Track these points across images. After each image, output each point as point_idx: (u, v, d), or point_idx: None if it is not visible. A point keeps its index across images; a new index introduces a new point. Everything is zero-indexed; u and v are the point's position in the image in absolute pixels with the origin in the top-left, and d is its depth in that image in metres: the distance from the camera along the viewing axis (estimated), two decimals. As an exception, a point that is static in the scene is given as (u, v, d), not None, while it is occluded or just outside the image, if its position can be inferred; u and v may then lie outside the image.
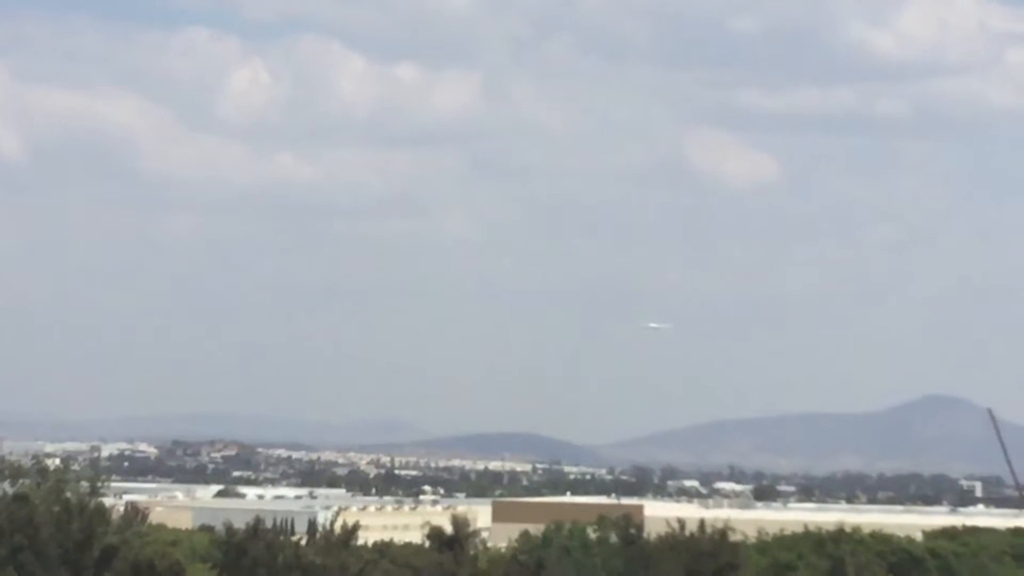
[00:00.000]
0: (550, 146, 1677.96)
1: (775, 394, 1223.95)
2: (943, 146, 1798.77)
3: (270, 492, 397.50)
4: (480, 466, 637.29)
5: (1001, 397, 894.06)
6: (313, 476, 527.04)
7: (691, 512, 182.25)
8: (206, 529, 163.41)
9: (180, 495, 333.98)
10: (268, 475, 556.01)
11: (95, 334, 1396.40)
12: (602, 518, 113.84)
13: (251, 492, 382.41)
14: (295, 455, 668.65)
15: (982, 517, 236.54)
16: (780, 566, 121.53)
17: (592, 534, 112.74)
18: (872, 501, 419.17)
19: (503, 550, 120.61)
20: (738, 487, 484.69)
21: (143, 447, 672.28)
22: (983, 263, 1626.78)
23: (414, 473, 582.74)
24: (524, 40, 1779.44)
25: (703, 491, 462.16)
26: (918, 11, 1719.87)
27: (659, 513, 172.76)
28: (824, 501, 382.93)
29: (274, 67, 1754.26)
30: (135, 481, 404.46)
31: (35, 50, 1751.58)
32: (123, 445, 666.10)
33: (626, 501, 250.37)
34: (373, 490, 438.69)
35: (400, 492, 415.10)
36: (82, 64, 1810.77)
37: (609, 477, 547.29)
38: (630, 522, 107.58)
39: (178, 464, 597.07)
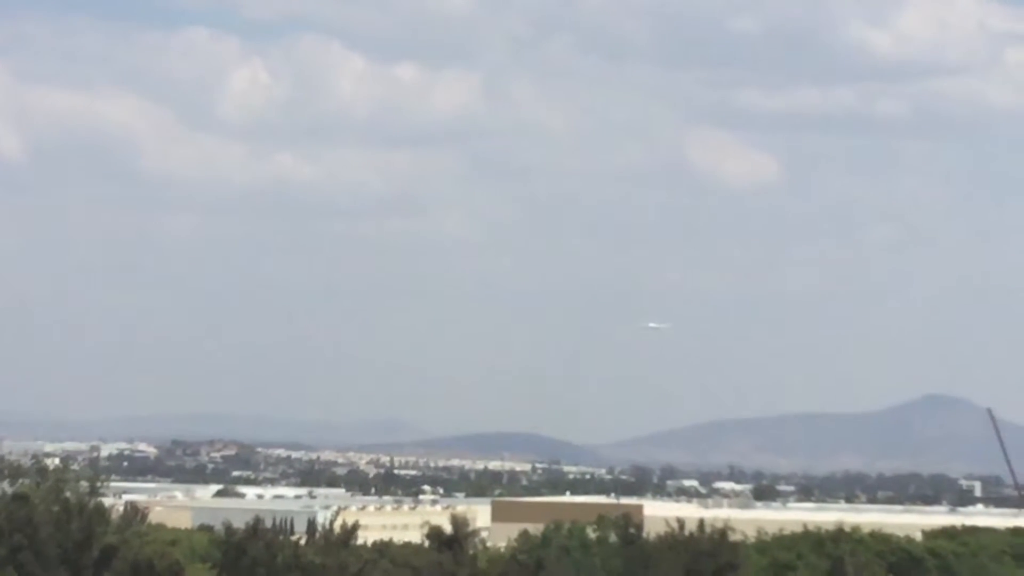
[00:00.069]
0: (550, 146, 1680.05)
1: (775, 394, 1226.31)
2: (943, 146, 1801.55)
3: (269, 492, 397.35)
4: (480, 466, 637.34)
5: (1001, 397, 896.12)
6: (312, 476, 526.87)
7: (691, 512, 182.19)
8: (205, 529, 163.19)
9: (179, 495, 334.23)
10: (267, 475, 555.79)
11: (95, 334, 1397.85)
12: (601, 518, 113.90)
13: (250, 492, 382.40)
14: (295, 455, 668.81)
15: (981, 517, 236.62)
16: (779, 566, 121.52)
17: (591, 534, 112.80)
18: (872, 501, 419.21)
19: (502, 550, 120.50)
20: (738, 487, 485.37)
21: (143, 447, 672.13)
22: (983, 263, 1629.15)
23: (413, 473, 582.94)
24: (524, 40, 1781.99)
25: (703, 491, 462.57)
26: (918, 11, 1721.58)
27: (659, 513, 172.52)
28: (823, 501, 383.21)
29: (274, 67, 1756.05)
30: (134, 481, 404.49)
31: (35, 50, 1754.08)
32: (123, 445, 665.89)
33: (625, 501, 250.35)
34: (373, 490, 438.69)
35: (400, 492, 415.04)
36: (82, 64, 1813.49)
37: (608, 477, 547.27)
38: (629, 522, 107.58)
39: (177, 464, 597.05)
